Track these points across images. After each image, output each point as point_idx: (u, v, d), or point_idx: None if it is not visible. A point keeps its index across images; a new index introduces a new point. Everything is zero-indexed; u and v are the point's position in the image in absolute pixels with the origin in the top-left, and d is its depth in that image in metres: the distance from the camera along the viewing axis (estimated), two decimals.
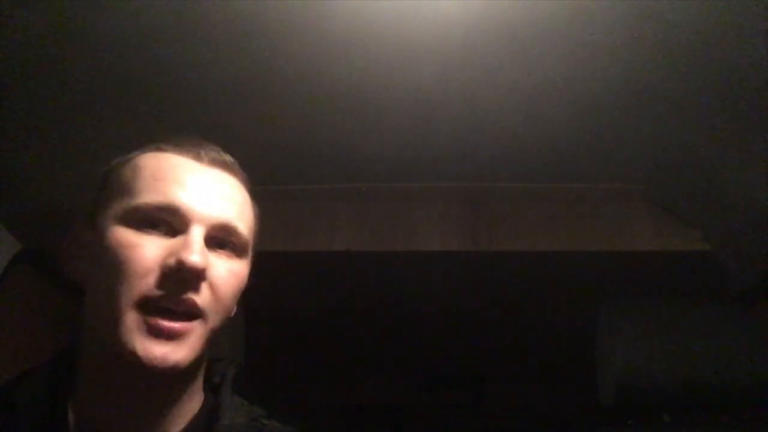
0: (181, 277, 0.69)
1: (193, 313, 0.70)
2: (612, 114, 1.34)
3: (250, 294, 0.88)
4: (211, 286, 0.72)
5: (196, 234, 0.71)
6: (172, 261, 0.69)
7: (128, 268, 0.69)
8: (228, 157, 0.79)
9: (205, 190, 0.74)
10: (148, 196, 0.72)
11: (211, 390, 0.83)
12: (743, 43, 1.11)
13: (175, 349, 0.69)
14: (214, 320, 0.73)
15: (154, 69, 1.23)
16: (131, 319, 0.68)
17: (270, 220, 1.90)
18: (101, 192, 0.77)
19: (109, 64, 1.21)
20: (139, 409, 0.74)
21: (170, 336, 0.69)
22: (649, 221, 1.70)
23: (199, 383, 0.80)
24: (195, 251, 0.69)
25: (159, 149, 0.77)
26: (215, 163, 0.77)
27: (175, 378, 0.73)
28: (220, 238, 0.74)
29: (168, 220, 0.72)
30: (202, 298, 0.71)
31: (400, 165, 1.58)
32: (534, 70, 1.22)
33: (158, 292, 0.69)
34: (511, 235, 1.73)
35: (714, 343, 1.42)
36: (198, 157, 0.76)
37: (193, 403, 0.79)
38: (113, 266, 0.70)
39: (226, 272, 0.74)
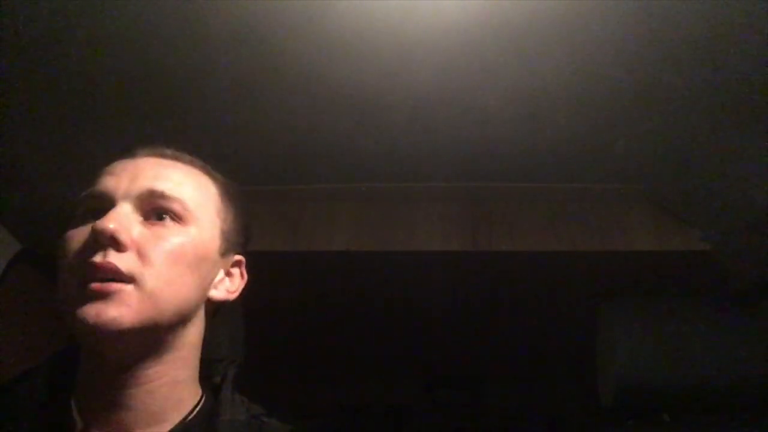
0: (98, 245, 0.73)
1: (119, 278, 0.72)
2: (612, 114, 1.34)
3: (250, 294, 0.88)
4: (139, 252, 0.74)
5: (118, 207, 0.76)
6: (89, 233, 0.74)
7: (66, 255, 0.75)
8: (169, 150, 0.84)
9: (131, 172, 0.79)
10: (86, 190, 0.79)
11: (212, 389, 0.84)
12: (744, 43, 1.11)
13: (107, 306, 0.71)
14: (152, 284, 0.74)
15: (154, 69, 1.23)
16: (71, 293, 0.73)
17: (270, 220, 1.91)
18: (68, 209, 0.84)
19: (109, 64, 1.21)
20: (123, 402, 0.75)
21: (101, 296, 0.71)
22: (649, 221, 1.70)
23: (185, 373, 0.80)
24: (106, 218, 0.73)
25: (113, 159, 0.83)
26: (150, 154, 0.82)
27: (137, 354, 0.75)
28: (153, 208, 0.77)
29: (99, 207, 0.77)
30: (125, 262, 0.73)
31: (400, 165, 1.58)
32: (534, 69, 1.22)
33: (84, 264, 0.72)
34: (511, 235, 1.72)
35: (714, 343, 1.42)
36: (133, 155, 0.82)
37: (183, 395, 0.79)
38: (60, 259, 0.76)
39: (158, 238, 0.76)
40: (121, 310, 0.71)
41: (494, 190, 1.69)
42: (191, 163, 0.84)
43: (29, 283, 1.68)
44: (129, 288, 0.72)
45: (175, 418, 0.77)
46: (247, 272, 0.88)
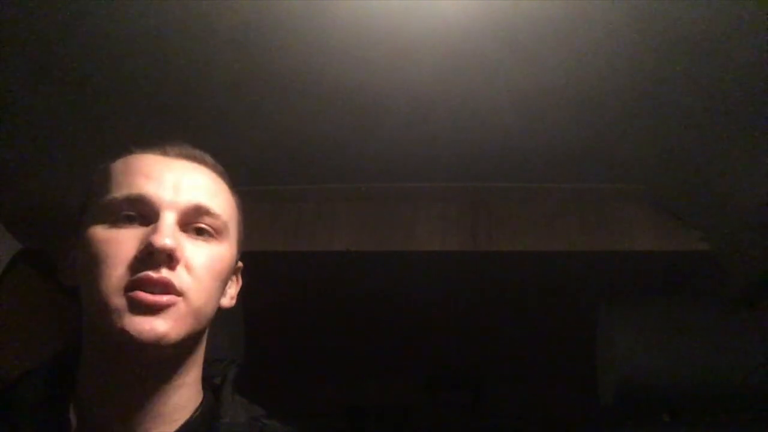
0: (153, 260, 0.72)
1: (170, 292, 0.72)
2: (612, 114, 1.34)
3: (250, 294, 0.88)
4: (188, 268, 0.74)
5: (167, 219, 0.74)
6: (142, 245, 0.72)
7: (108, 260, 0.73)
8: (196, 151, 0.82)
9: (173, 179, 0.77)
10: (119, 191, 0.76)
11: (212, 390, 0.84)
12: (744, 44, 1.11)
13: (159, 322, 0.71)
14: (197, 300, 0.74)
15: (154, 69, 1.23)
16: (116, 302, 0.71)
17: (270, 220, 1.91)
18: (82, 201, 0.81)
19: (109, 64, 1.21)
20: (135, 404, 0.75)
21: (153, 309, 0.71)
22: (649, 221, 1.70)
23: (193, 377, 0.80)
24: (163, 234, 0.72)
25: (128, 153, 0.81)
26: (181, 155, 0.81)
27: (164, 361, 0.75)
28: (194, 223, 0.77)
29: (141, 212, 0.75)
30: (178, 277, 0.73)
31: (400, 165, 1.58)
32: (534, 69, 1.22)
33: (135, 276, 0.71)
34: (511, 235, 1.72)
35: (714, 343, 1.42)
36: (164, 152, 0.80)
37: (190, 399, 0.79)
38: (96, 262, 0.73)
39: (202, 254, 0.76)
40: (171, 324, 0.72)
41: (494, 190, 1.69)
42: (215, 169, 0.83)
43: (29, 283, 1.68)
44: (180, 302, 0.73)
45: (180, 420, 0.77)
46: (248, 272, 0.88)
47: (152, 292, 0.71)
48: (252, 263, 0.89)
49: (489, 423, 2.90)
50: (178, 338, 0.72)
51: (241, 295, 0.88)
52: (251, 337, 1.54)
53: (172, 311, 0.72)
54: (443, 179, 1.66)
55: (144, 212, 0.75)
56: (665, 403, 1.42)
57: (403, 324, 2.32)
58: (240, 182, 0.86)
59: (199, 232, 0.77)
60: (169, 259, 0.72)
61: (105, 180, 0.78)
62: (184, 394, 0.78)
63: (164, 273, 0.72)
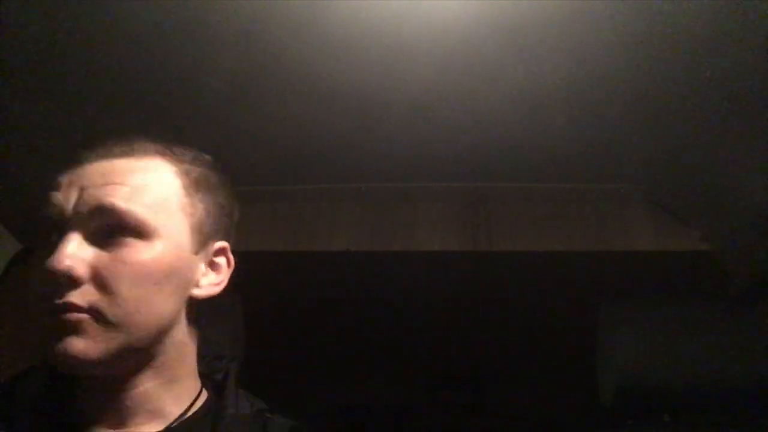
0: (57, 284, 0.69)
1: (83, 311, 0.70)
2: (612, 114, 1.34)
3: (250, 294, 0.88)
4: (98, 282, 0.70)
5: (68, 235, 0.70)
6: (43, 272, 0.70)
7: (32, 283, 0.72)
8: (122, 147, 0.76)
9: (79, 185, 0.73)
10: (40, 213, 0.74)
11: (215, 387, 0.84)
12: (744, 43, 1.11)
13: (74, 340, 0.69)
14: (111, 314, 0.70)
15: (154, 69, 1.23)
16: (41, 323, 0.71)
17: (270, 220, 1.90)
18: None
19: (109, 64, 1.21)
20: (123, 403, 0.75)
21: (67, 329, 0.69)
22: (649, 221, 1.70)
23: (183, 373, 0.79)
24: (56, 255, 0.69)
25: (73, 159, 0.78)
26: (101, 156, 0.75)
27: (124, 371, 0.74)
28: (108, 226, 0.71)
29: (52, 231, 0.73)
30: (84, 296, 0.69)
31: (400, 165, 1.58)
32: (534, 69, 1.22)
33: (44, 302, 0.70)
34: (511, 235, 1.72)
35: (714, 343, 1.41)
36: (78, 161, 0.76)
37: (183, 393, 0.79)
38: (30, 286, 0.73)
39: (117, 263, 0.71)
40: (87, 343, 0.69)
41: (494, 190, 1.69)
42: (144, 153, 0.76)
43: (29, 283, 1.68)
44: (88, 320, 0.69)
45: (175, 413, 0.78)
46: (247, 272, 0.84)
47: (62, 311, 0.69)
48: (252, 263, 0.89)
49: (489, 423, 2.90)
50: (101, 355, 0.70)
51: (242, 294, 0.88)
52: (251, 337, 1.54)
53: (83, 327, 0.69)
54: (443, 179, 1.66)
55: (54, 229, 0.72)
56: (665, 403, 1.42)
57: (403, 324, 2.32)
58: (240, 182, 0.86)
59: (116, 236, 0.71)
60: (69, 279, 0.69)
61: None
62: (172, 390, 0.78)
63: (67, 297, 0.69)
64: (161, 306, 0.74)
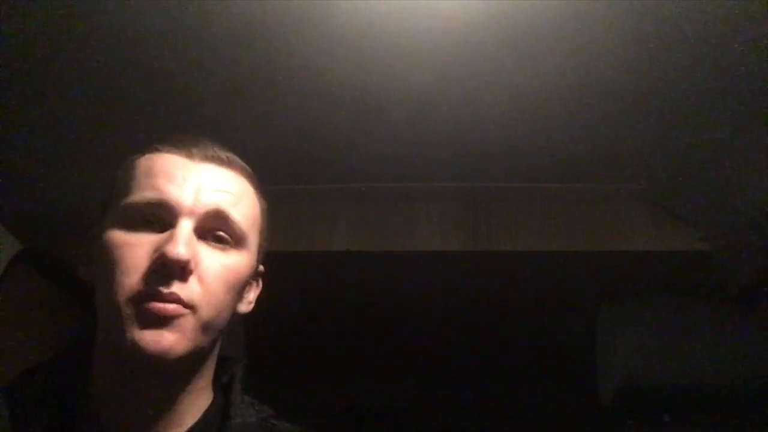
0: (166, 271, 0.71)
1: (180, 304, 0.71)
2: (612, 114, 1.34)
3: None
4: (200, 279, 0.73)
5: (183, 226, 0.72)
6: (156, 255, 0.71)
7: (121, 266, 0.71)
8: (224, 153, 0.80)
9: (194, 184, 0.75)
10: (139, 194, 0.74)
11: (220, 389, 0.83)
12: (744, 43, 1.11)
13: (166, 333, 0.70)
14: (206, 313, 0.73)
15: (153, 69, 1.23)
16: (126, 311, 0.70)
17: (270, 220, 1.90)
18: (106, 196, 0.80)
19: (108, 64, 1.21)
20: (145, 406, 0.75)
21: (161, 321, 0.70)
22: (649, 221, 1.69)
23: (206, 381, 0.80)
24: (178, 243, 0.71)
25: (155, 150, 0.79)
26: (207, 158, 0.78)
27: (175, 370, 0.74)
28: (214, 230, 0.75)
29: (160, 216, 0.74)
30: (189, 290, 0.71)
31: (400, 165, 1.58)
32: (534, 69, 1.22)
33: (146, 287, 0.70)
34: (511, 235, 1.72)
35: (714, 343, 1.42)
36: (189, 155, 0.78)
37: (201, 401, 0.79)
38: (110, 265, 0.72)
39: (217, 265, 0.74)
40: (178, 338, 0.70)
41: (494, 190, 1.69)
42: (240, 169, 0.81)
43: (29, 283, 1.68)
44: (188, 314, 0.71)
45: (190, 421, 0.77)
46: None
47: (161, 301, 0.70)
48: (264, 264, 0.89)
49: (489, 423, 2.89)
50: (185, 352, 0.71)
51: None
52: (251, 337, 1.54)
53: (179, 324, 0.71)
54: (443, 179, 1.65)
55: (162, 217, 0.73)
56: (665, 403, 1.42)
57: (403, 324, 2.32)
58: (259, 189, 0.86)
59: (218, 240, 0.75)
60: (182, 271, 0.71)
61: (129, 179, 0.77)
62: (195, 398, 0.78)
63: (175, 288, 0.70)
64: (228, 314, 0.77)
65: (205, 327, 0.73)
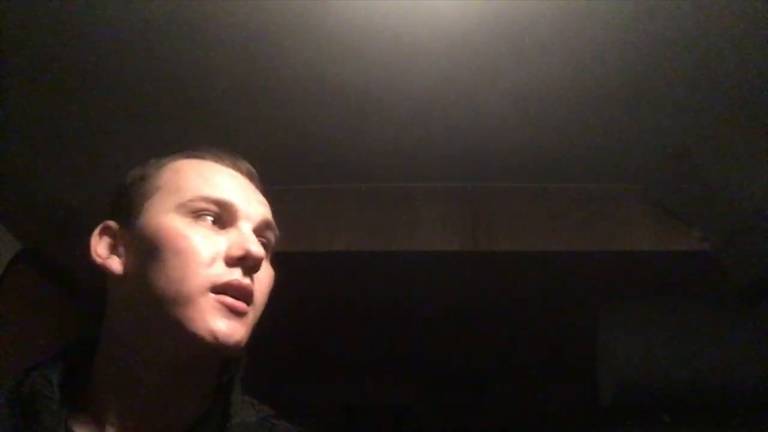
0: (244, 266, 0.74)
1: (249, 299, 0.75)
2: (612, 114, 1.34)
3: None
4: (257, 279, 0.77)
5: (247, 229, 0.77)
6: (236, 251, 0.74)
7: (192, 255, 0.73)
8: (249, 165, 0.85)
9: (247, 194, 0.80)
10: (203, 189, 0.77)
11: (219, 388, 0.83)
12: (744, 43, 1.11)
13: (239, 327, 0.74)
14: (257, 311, 0.77)
15: (154, 70, 1.23)
16: (201, 300, 0.72)
17: None
18: (138, 191, 0.80)
19: (109, 65, 1.21)
20: (152, 403, 0.75)
21: (236, 313, 0.73)
22: (649, 221, 1.70)
23: (212, 378, 0.81)
24: (256, 242, 0.75)
25: (198, 156, 0.82)
26: (249, 174, 0.83)
27: (211, 365, 0.78)
28: (260, 237, 0.79)
29: (218, 213, 0.77)
30: (254, 287, 0.76)
31: (400, 165, 1.58)
32: (534, 69, 1.22)
33: (223, 279, 0.73)
34: (511, 235, 1.72)
35: (714, 343, 1.41)
36: (237, 168, 0.82)
37: (204, 401, 0.79)
38: (175, 254, 0.73)
39: (265, 268, 0.79)
40: (245, 331, 0.75)
41: (494, 190, 1.69)
42: (264, 188, 0.86)
43: (29, 283, 1.68)
44: (250, 311, 0.75)
45: (191, 420, 0.77)
46: None
47: (237, 298, 0.74)
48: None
49: (489, 423, 2.90)
50: (244, 345, 0.75)
51: None
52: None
53: (247, 318, 0.75)
54: (443, 179, 1.66)
55: (223, 216, 0.77)
56: (665, 403, 1.42)
57: (403, 324, 2.32)
58: None
59: (264, 246, 0.79)
60: (254, 268, 0.75)
61: (178, 176, 0.79)
62: (199, 395, 0.79)
63: (250, 281, 0.75)
64: None
65: (253, 324, 0.77)
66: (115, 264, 0.77)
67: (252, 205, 0.79)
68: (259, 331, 0.76)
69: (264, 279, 0.78)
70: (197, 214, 0.76)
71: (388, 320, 2.30)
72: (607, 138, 1.43)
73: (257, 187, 0.84)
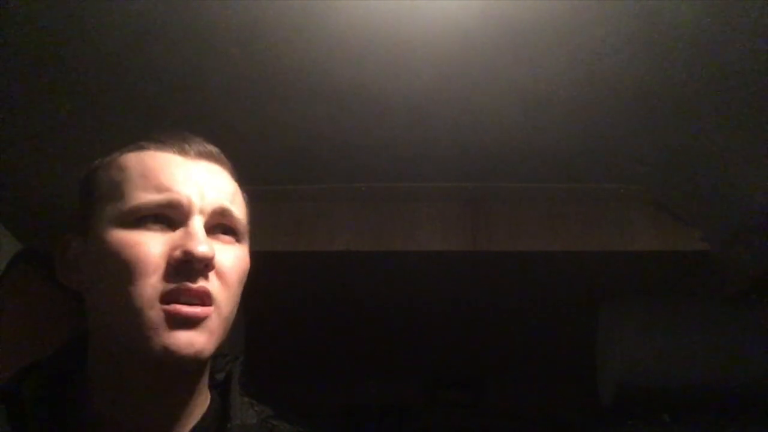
0: (190, 268, 0.69)
1: (206, 302, 0.70)
2: (612, 114, 1.34)
3: (250, 294, 0.88)
4: (219, 274, 0.72)
5: (197, 224, 0.72)
6: (178, 253, 0.69)
7: (136, 267, 0.69)
8: (213, 148, 0.79)
9: (197, 182, 0.74)
10: (144, 195, 0.72)
11: (216, 387, 0.83)
12: (744, 43, 1.11)
13: (197, 336, 0.69)
14: (226, 308, 0.72)
15: (154, 69, 1.23)
16: (150, 314, 0.68)
17: (270, 220, 1.91)
18: (87, 198, 0.77)
19: (109, 64, 1.21)
20: (150, 408, 0.74)
21: (191, 323, 0.69)
22: (649, 221, 1.70)
23: (206, 379, 0.79)
24: (201, 241, 0.70)
25: (140, 148, 0.77)
26: (201, 155, 0.77)
27: (192, 372, 0.74)
28: (220, 225, 0.75)
29: (167, 215, 0.72)
30: (212, 286, 0.71)
31: (400, 165, 1.58)
32: (534, 69, 1.22)
33: (171, 286, 0.69)
34: (511, 235, 1.72)
35: (714, 343, 1.42)
36: (183, 152, 0.76)
37: (201, 402, 0.78)
38: (120, 268, 0.69)
39: (231, 258, 0.74)
40: (207, 338, 0.70)
41: (494, 190, 1.69)
42: (227, 166, 0.80)
43: (29, 283, 1.68)
44: (213, 314, 0.70)
45: (191, 422, 0.76)
46: (247, 272, 0.86)
47: (190, 304, 0.69)
48: (252, 263, 0.89)
49: (489, 423, 2.90)
50: (212, 351, 0.71)
51: (242, 294, 0.87)
52: (251, 337, 1.54)
53: (207, 323, 0.70)
54: (443, 179, 1.65)
55: (171, 216, 0.72)
56: (665, 403, 1.42)
57: (403, 324, 2.32)
58: (240, 182, 0.86)
59: (226, 233, 0.75)
60: (206, 267, 0.70)
61: (120, 178, 0.74)
62: (197, 398, 0.77)
63: (201, 283, 0.70)
64: (236, 309, 0.77)
65: (225, 323, 0.73)
66: (75, 281, 0.76)
67: (204, 194, 0.73)
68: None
69: (230, 270, 0.73)
70: (141, 222, 0.71)
71: (388, 320, 2.30)
72: (607, 138, 1.43)
73: (216, 165, 0.78)
